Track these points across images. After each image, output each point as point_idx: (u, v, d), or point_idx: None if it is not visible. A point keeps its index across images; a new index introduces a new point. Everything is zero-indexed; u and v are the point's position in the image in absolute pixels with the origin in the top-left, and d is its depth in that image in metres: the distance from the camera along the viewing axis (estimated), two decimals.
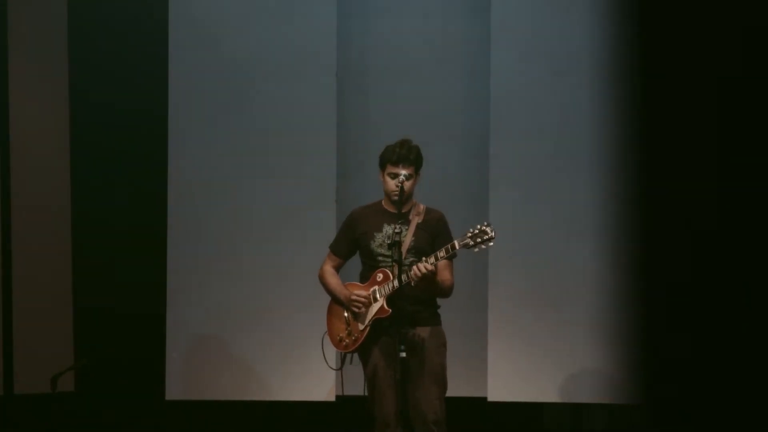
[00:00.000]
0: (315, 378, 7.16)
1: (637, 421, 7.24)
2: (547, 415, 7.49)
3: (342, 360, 5.87)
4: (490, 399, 7.14)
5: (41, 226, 7.32)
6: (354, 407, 6.89)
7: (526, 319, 7.12)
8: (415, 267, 5.59)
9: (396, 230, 5.60)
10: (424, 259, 5.61)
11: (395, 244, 5.58)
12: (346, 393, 6.18)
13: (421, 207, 5.87)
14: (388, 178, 5.78)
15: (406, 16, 7.51)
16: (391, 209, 5.83)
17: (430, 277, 5.59)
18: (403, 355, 5.48)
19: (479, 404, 7.14)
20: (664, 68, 7.04)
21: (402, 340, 5.55)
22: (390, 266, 5.66)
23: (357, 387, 5.87)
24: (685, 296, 7.25)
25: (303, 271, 7.14)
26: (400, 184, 5.71)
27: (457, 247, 5.56)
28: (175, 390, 7.27)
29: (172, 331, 7.27)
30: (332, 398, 7.17)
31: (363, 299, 5.76)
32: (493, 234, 5.53)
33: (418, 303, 5.78)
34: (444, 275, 5.75)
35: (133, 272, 7.44)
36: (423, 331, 5.79)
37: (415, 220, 5.81)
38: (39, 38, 7.38)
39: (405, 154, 5.73)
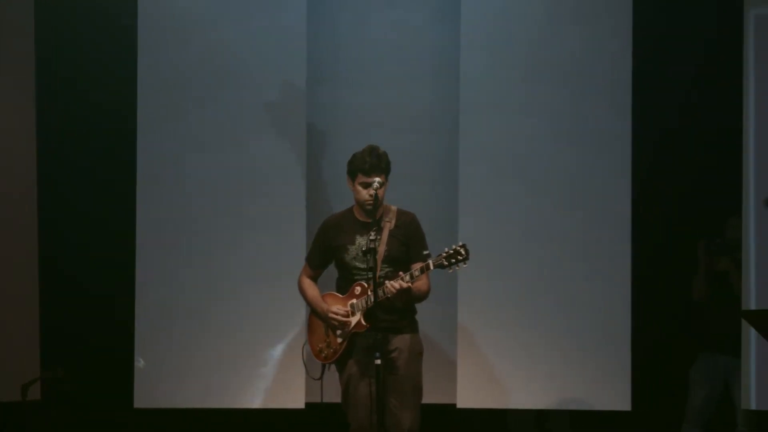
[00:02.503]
0: (284, 385, 7.13)
1: (606, 427, 7.28)
2: (516, 422, 7.51)
3: (322, 369, 5.89)
4: (459, 406, 7.13)
5: (7, 235, 7.19)
6: (323, 414, 6.86)
7: (495, 326, 7.13)
8: (389, 284, 5.59)
9: (371, 237, 5.58)
10: (400, 275, 5.61)
11: (371, 251, 5.58)
12: (325, 401, 6.16)
13: (393, 209, 5.85)
14: (359, 188, 5.75)
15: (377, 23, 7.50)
16: (363, 218, 5.81)
17: (406, 291, 5.60)
18: (378, 362, 5.50)
19: (448, 411, 7.14)
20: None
21: (378, 347, 5.55)
22: (367, 279, 5.65)
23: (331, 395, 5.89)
24: (662, 301, 7.35)
25: (272, 278, 7.12)
26: (374, 192, 5.69)
27: (432, 267, 5.60)
28: (143, 398, 7.19)
29: (139, 338, 7.20)
30: (301, 405, 7.14)
31: (341, 316, 5.74)
32: (467, 255, 5.57)
33: (395, 312, 5.78)
34: (420, 281, 5.76)
35: (101, 280, 7.40)
36: (400, 340, 5.80)
37: (387, 227, 5.79)
38: (4, 40, 7.26)
39: (376, 163, 5.71)
